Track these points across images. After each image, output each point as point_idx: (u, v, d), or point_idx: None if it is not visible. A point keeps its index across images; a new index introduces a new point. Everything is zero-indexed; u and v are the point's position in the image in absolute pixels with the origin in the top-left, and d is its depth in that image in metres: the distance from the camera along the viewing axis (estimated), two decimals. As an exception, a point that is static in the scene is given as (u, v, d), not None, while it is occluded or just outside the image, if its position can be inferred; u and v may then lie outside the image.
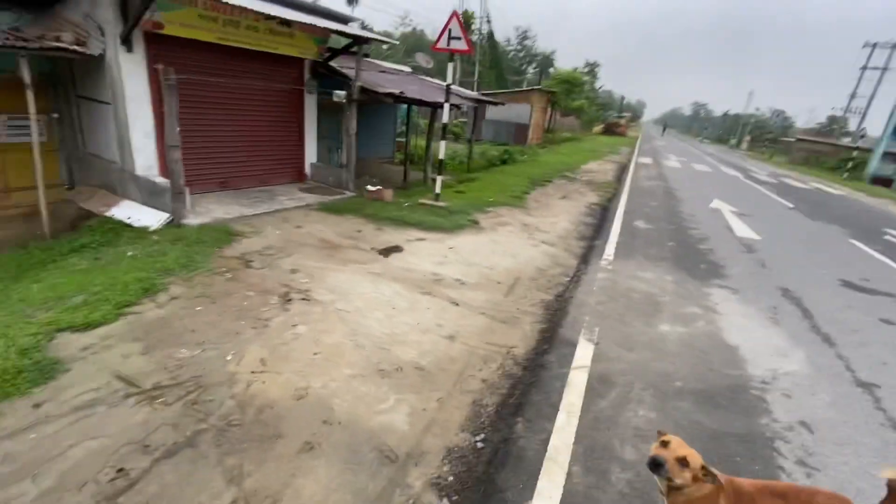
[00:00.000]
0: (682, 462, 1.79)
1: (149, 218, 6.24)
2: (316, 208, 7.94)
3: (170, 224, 6.19)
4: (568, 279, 5.95)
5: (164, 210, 6.33)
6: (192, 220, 6.35)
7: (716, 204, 12.92)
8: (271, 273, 4.98)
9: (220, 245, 5.63)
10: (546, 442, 2.86)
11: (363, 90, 8.47)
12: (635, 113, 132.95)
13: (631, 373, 3.77)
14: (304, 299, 4.46)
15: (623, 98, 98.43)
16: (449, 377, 3.56)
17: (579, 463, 2.72)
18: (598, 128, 54.08)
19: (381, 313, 4.39)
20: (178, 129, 5.95)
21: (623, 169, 19.80)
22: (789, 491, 1.92)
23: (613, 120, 61.32)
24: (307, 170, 9.62)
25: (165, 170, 6.60)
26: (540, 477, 2.58)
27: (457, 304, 4.78)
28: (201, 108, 7.43)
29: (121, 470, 2.40)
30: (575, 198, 11.71)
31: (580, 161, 20.66)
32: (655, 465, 1.82)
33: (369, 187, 9.08)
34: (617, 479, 2.64)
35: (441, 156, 9.06)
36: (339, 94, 8.33)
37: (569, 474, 2.62)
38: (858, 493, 2.76)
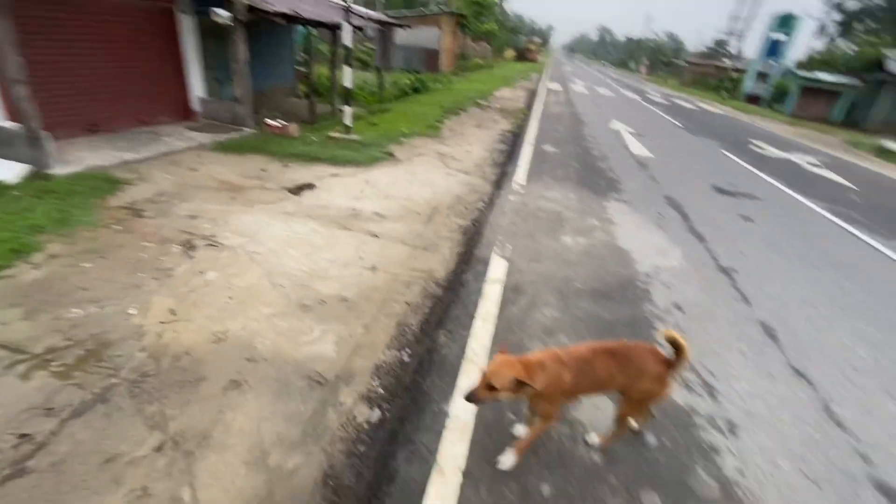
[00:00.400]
0: (490, 387, 1.92)
1: (2, 171, 5.29)
2: (211, 148, 7.21)
3: (33, 176, 5.30)
4: (483, 204, 6.17)
5: (21, 160, 5.37)
6: (60, 169, 5.49)
7: (615, 125, 13.78)
8: (168, 221, 4.57)
9: (102, 195, 4.99)
10: (465, 347, 3.13)
11: (251, 9, 7.49)
12: (544, 38, 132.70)
13: (539, 281, 4.15)
14: (209, 245, 4.20)
15: (533, 22, 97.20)
16: (373, 304, 3.66)
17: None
18: (510, 53, 53.51)
19: (297, 252, 4.29)
20: (20, 59, 4.91)
21: (533, 95, 20.11)
22: (617, 347, 2.20)
23: (525, 45, 60.93)
24: (195, 106, 8.57)
25: (13, 111, 5.51)
26: (459, 376, 2.85)
27: (377, 237, 4.80)
28: (51, 35, 6.14)
29: (23, 435, 2.25)
30: (488, 126, 11.80)
31: (493, 88, 20.57)
32: (471, 399, 1.98)
33: (270, 122, 8.37)
34: (527, 369, 3.00)
35: (347, 84, 8.51)
36: (221, 14, 7.29)
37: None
38: (716, 354, 3.42)
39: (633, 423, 2.53)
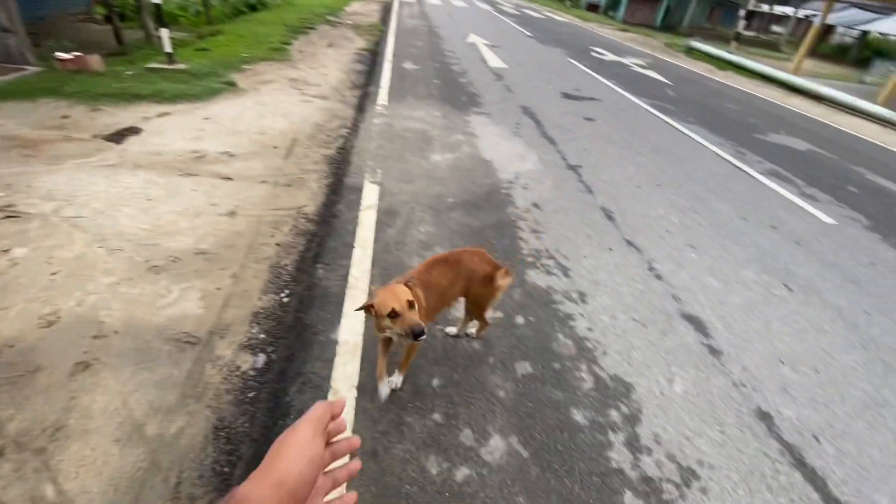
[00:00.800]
0: (394, 314, 1.77)
1: None
2: (-22, 96, 5.54)
3: None
4: (347, 130, 5.85)
5: None
6: None
7: (472, 38, 13.72)
8: (-66, 196, 3.53)
9: None
10: (346, 275, 3.12)
11: None
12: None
13: (412, 201, 4.21)
14: (8, 217, 3.38)
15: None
16: (238, 252, 3.38)
17: (377, 281, 3.10)
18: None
19: (132, 209, 3.68)
20: None
21: (387, 9, 18.80)
22: (448, 256, 2.30)
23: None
24: (-66, 39, 6.34)
25: None
26: (345, 303, 2.87)
27: (230, 179, 4.32)
28: None
29: None
30: (342, 45, 10.86)
31: (342, 2, 18.68)
32: (416, 334, 1.75)
33: (62, 55, 6.63)
34: (408, 284, 3.13)
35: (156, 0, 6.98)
36: None
37: (369, 293, 2.98)
38: (568, 240, 3.91)
39: (471, 329, 2.73)
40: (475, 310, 2.47)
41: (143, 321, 2.69)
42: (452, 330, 2.75)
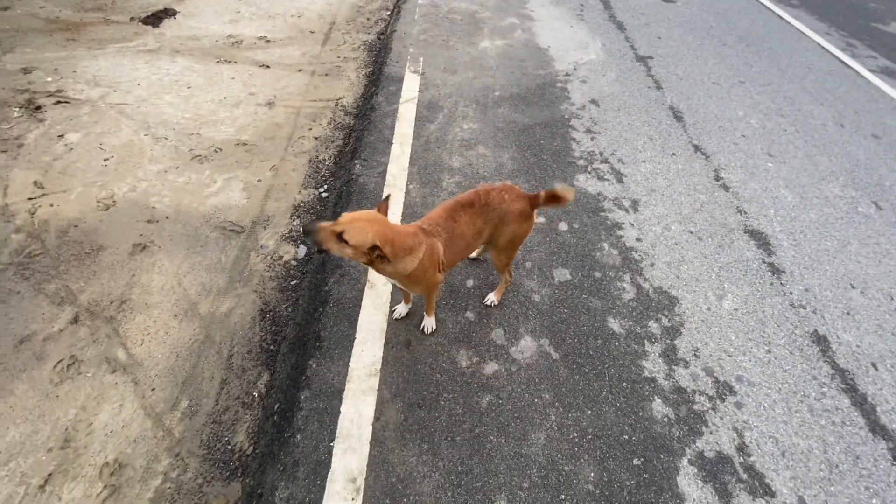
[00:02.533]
0: (340, 236, 1.51)
1: None
2: (17, -26, 5.39)
3: None
4: (388, 12, 5.32)
5: None
6: None
7: None
8: (-9, 79, 3.62)
9: None
10: (384, 173, 3.02)
11: None
12: None
13: (456, 94, 3.89)
14: (59, 102, 3.45)
15: None
16: (278, 144, 3.33)
17: (415, 180, 2.99)
18: None
19: (173, 97, 3.64)
20: None
21: None
22: (474, 199, 1.89)
23: None
24: None
25: None
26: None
27: (268, 67, 4.13)
28: None
29: None
30: None
31: None
32: (309, 233, 1.53)
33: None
34: (447, 183, 3.00)
35: None
36: None
37: (406, 192, 2.90)
38: (626, 142, 3.54)
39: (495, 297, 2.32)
40: (503, 257, 2.08)
41: (191, 209, 2.78)
42: (491, 298, 2.34)
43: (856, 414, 2.05)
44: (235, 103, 3.65)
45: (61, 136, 3.17)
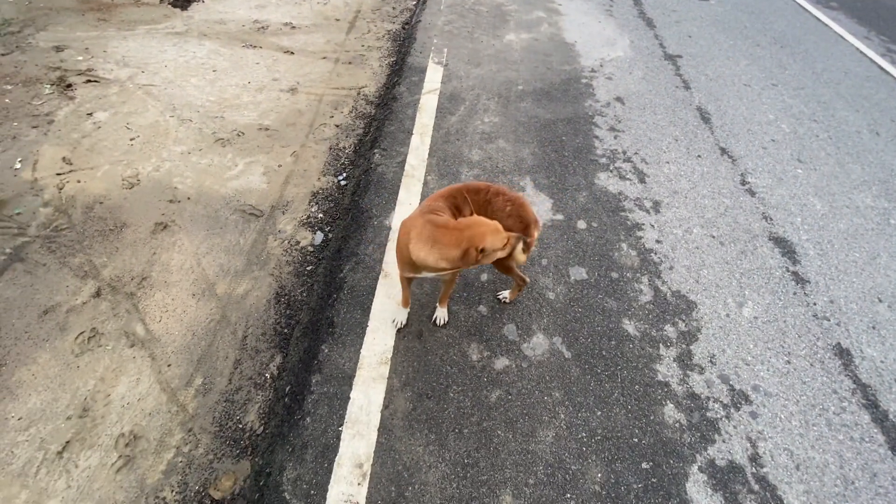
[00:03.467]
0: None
1: None
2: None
3: None
4: (414, 2, 5.29)
5: None
6: None
7: None
8: (26, 57, 3.71)
9: (-79, 29, 3.89)
10: (403, 163, 3.02)
11: None
12: None
13: (478, 87, 3.85)
14: (89, 81, 3.52)
15: None
16: (299, 130, 3.35)
17: (433, 172, 2.98)
18: None
19: (199, 79, 3.69)
20: None
21: None
22: (482, 187, 1.93)
23: None
24: None
25: None
26: (400, 191, 2.81)
27: (292, 53, 4.15)
28: None
29: (-59, 302, 2.13)
30: None
31: None
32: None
33: None
34: (466, 176, 2.98)
35: None
36: None
37: (425, 183, 2.89)
38: (651, 141, 3.47)
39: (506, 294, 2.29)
40: (507, 262, 1.96)
41: (212, 190, 2.82)
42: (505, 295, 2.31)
43: (876, 431, 1.99)
44: (259, 88, 3.68)
45: (90, 114, 3.24)
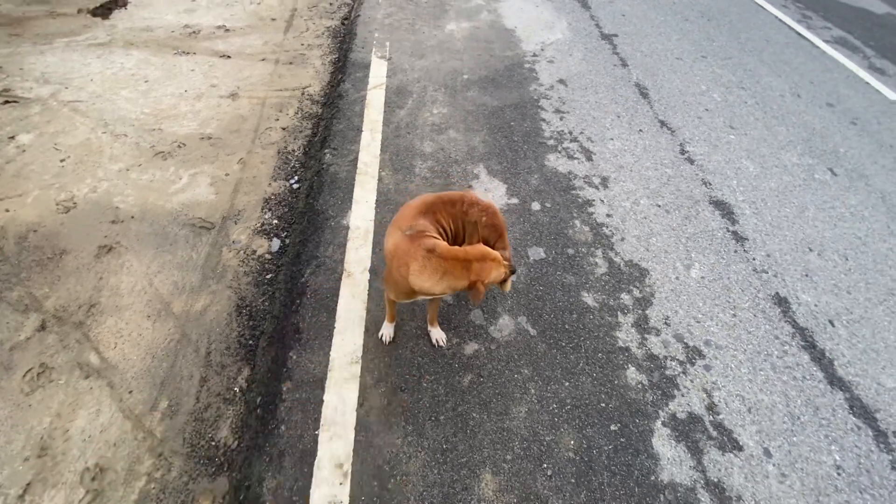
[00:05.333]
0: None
1: None
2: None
3: None
4: (351, -2, 5.20)
5: None
6: None
7: None
8: (-71, 79, 3.40)
9: None
10: (355, 161, 3.00)
11: None
12: None
13: (424, 78, 3.86)
14: (7, 102, 3.27)
15: None
16: (244, 136, 3.25)
17: (387, 167, 2.98)
18: None
19: (130, 91, 3.50)
20: None
21: None
22: (456, 199, 1.90)
23: None
24: None
25: None
26: (355, 189, 2.79)
27: (229, 57, 4.00)
28: None
29: None
30: None
31: None
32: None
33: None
34: (420, 169, 3.00)
35: None
36: None
37: (379, 179, 2.88)
38: (595, 120, 3.59)
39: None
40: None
41: (157, 207, 2.70)
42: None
43: (815, 369, 2.18)
44: (197, 96, 3.54)
45: (12, 137, 3.02)
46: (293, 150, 3.20)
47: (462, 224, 1.88)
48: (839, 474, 1.82)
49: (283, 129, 3.36)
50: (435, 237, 1.71)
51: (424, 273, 1.59)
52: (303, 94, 3.71)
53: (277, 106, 3.55)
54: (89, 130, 3.15)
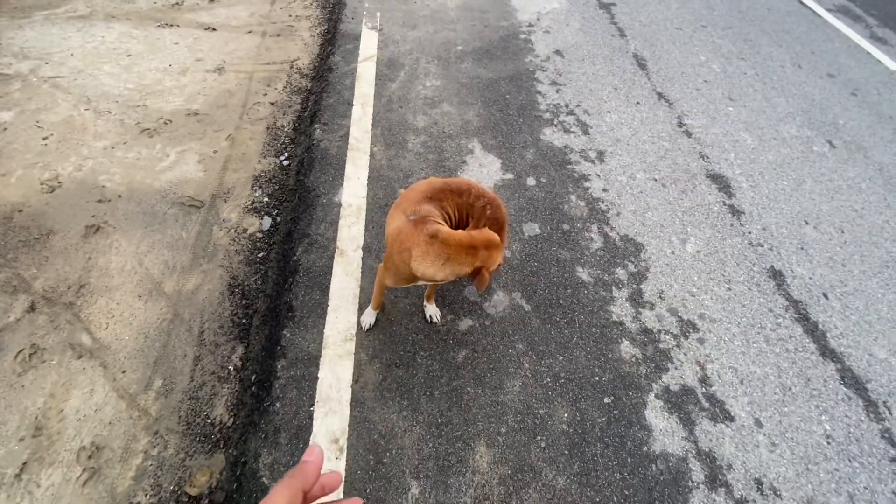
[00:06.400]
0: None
1: None
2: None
3: None
4: (340, -34, 5.00)
5: None
6: None
7: None
8: None
9: None
10: (346, 137, 2.93)
11: None
12: None
13: (416, 50, 3.74)
14: (-16, 78, 3.16)
15: None
16: (232, 112, 3.17)
17: (379, 143, 2.91)
18: None
19: (112, 66, 3.38)
20: None
21: None
22: (464, 188, 1.80)
23: None
24: None
25: None
26: (346, 165, 2.74)
27: (214, 30, 3.86)
28: None
29: None
30: None
31: None
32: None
33: None
34: (413, 144, 2.94)
35: None
36: None
37: (371, 155, 2.82)
38: (591, 92, 3.51)
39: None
40: None
41: (145, 185, 2.65)
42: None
43: (808, 340, 2.19)
44: (182, 70, 3.43)
45: (-9, 115, 2.93)
46: (282, 126, 3.13)
47: (467, 214, 1.81)
48: (829, 443, 1.85)
49: (272, 104, 3.27)
50: (439, 223, 1.65)
51: (427, 259, 1.55)
52: (291, 67, 3.60)
53: (265, 80, 3.45)
54: (72, 107, 3.05)
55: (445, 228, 1.59)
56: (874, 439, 1.87)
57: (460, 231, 1.58)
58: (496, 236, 1.57)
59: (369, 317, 2.06)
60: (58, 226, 2.41)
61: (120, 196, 2.58)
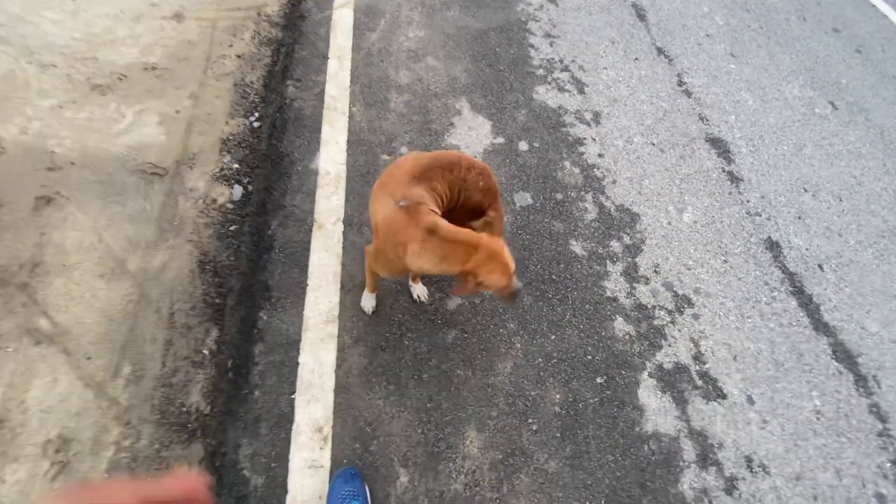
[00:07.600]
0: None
1: None
2: None
3: None
4: None
5: None
6: None
7: None
8: None
9: None
10: (322, 94, 2.68)
11: None
12: None
13: (398, -4, 3.40)
14: None
15: None
16: (194, 66, 2.85)
17: (358, 102, 2.68)
18: None
19: (55, 12, 2.99)
20: None
21: None
22: (454, 162, 1.62)
23: None
24: None
25: None
26: (322, 128, 2.52)
27: (169, -31, 3.42)
28: None
29: None
30: None
31: None
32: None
33: None
34: (395, 104, 2.71)
35: None
36: None
37: (350, 115, 2.60)
38: (587, 46, 3.27)
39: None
40: None
41: (100, 150, 2.39)
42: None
43: (802, 314, 2.16)
44: (135, 17, 3.05)
45: (-85, 68, 2.58)
46: (251, 83, 2.84)
47: (459, 190, 1.64)
48: (818, 419, 1.85)
49: (239, 56, 2.96)
50: (434, 210, 1.49)
51: (424, 255, 1.42)
52: (259, 14, 3.24)
53: (230, 29, 3.11)
54: (12, 60, 2.70)
55: (443, 222, 1.44)
56: (863, 414, 1.88)
57: (462, 229, 1.44)
58: (503, 251, 1.41)
59: (369, 300, 1.93)
60: (4, 197, 2.18)
61: (72, 163, 2.33)
